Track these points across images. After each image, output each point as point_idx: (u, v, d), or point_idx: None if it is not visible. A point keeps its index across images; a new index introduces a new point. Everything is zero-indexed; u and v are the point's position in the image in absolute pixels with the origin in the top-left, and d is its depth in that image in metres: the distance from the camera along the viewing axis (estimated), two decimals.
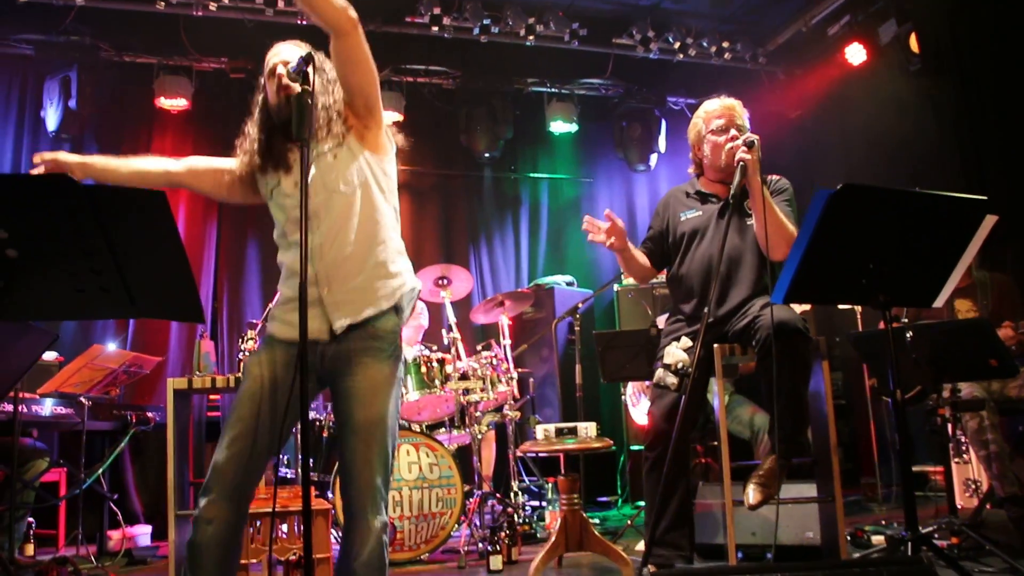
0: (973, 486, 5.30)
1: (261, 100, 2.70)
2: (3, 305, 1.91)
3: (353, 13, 2.54)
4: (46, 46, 6.61)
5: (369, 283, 2.56)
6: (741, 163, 3.35)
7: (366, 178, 2.62)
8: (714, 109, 3.70)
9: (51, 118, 6.62)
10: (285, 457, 5.42)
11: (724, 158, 3.57)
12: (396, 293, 2.60)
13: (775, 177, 3.69)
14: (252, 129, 2.70)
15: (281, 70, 2.59)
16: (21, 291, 1.93)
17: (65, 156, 2.68)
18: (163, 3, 6.27)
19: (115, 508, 5.31)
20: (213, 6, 6.38)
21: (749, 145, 3.39)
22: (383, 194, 2.66)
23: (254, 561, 3.72)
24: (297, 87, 2.38)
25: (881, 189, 2.67)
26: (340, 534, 2.59)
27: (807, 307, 5.19)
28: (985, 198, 2.75)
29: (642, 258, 3.82)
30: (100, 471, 5.15)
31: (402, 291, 2.63)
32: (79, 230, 1.82)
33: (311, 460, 3.40)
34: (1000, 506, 4.34)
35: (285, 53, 2.65)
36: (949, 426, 4.45)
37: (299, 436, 3.56)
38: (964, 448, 5.01)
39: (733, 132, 3.58)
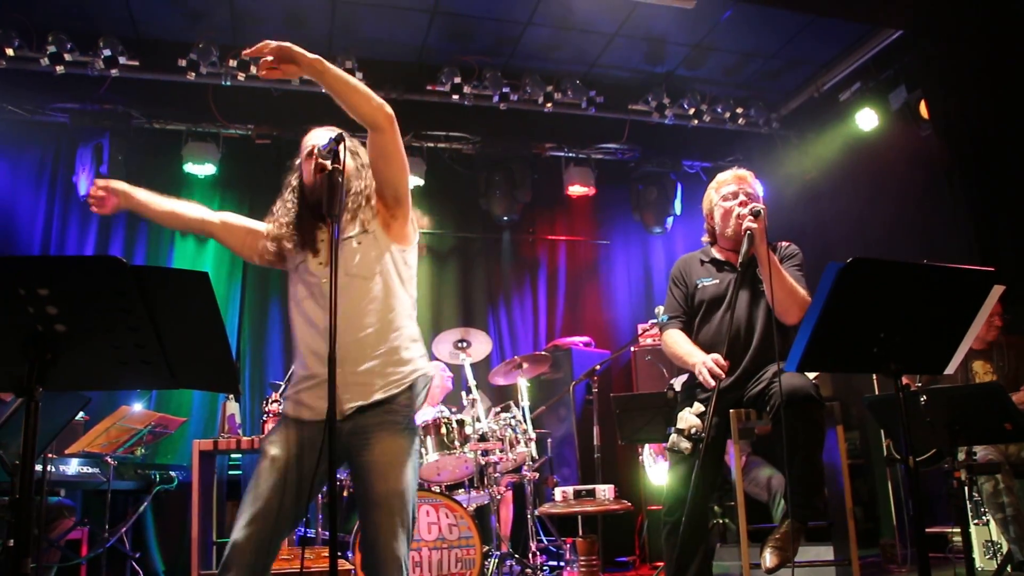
0: (992, 548, 5.28)
1: (296, 181, 2.82)
2: (49, 376, 2.00)
3: (389, 110, 2.69)
4: (80, 114, 6.83)
5: (382, 368, 2.66)
6: (748, 232, 3.46)
7: (387, 266, 2.75)
8: (726, 179, 3.81)
9: (83, 183, 6.80)
10: (307, 518, 5.45)
11: (732, 225, 3.66)
12: (408, 378, 2.71)
13: (785, 244, 3.78)
14: (283, 208, 2.83)
15: (316, 151, 2.72)
16: (66, 363, 2.02)
17: (117, 184, 2.87)
18: (193, 73, 6.49)
19: (137, 567, 5.36)
20: (241, 76, 6.60)
21: (755, 215, 3.50)
22: (402, 283, 2.78)
23: None
24: (328, 164, 2.51)
25: (889, 262, 2.74)
26: None
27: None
28: (992, 269, 2.80)
29: (688, 345, 3.72)
30: (123, 530, 5.21)
31: (415, 376, 2.73)
32: (125, 307, 1.92)
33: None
34: (1020, 568, 4.33)
35: (321, 136, 2.78)
36: (966, 488, 4.46)
37: (325, 501, 3.63)
38: (983, 510, 5.01)
39: (743, 198, 3.67)
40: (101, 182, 2.84)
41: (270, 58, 2.59)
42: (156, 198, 2.90)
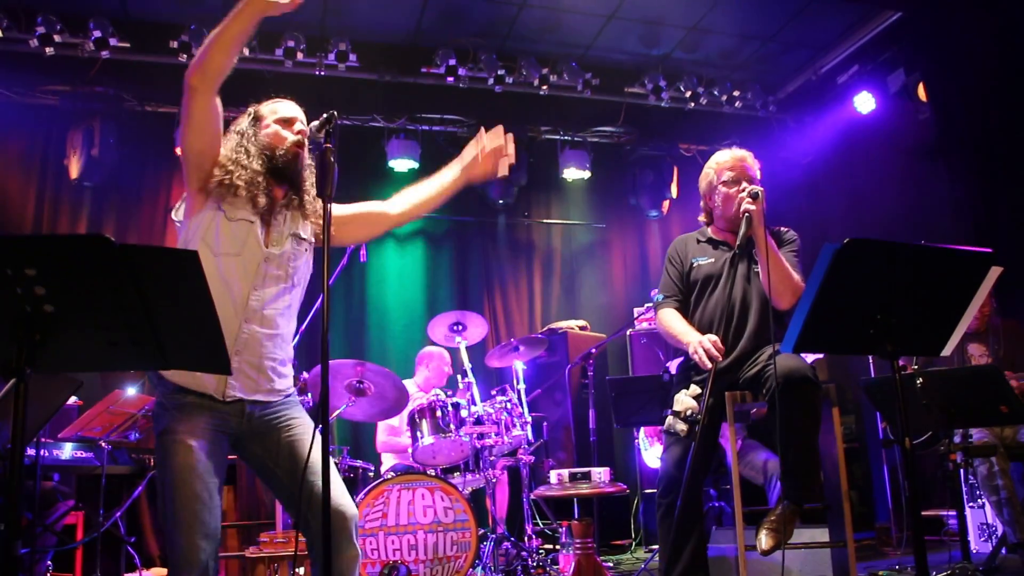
0: (988, 531, 5.30)
1: (259, 136, 2.77)
2: (39, 358, 1.98)
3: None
4: (71, 97, 6.78)
5: (282, 368, 2.75)
6: (746, 214, 3.44)
7: (303, 278, 2.81)
8: (725, 161, 3.77)
9: (74, 166, 6.76)
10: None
11: (734, 209, 3.64)
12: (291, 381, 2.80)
13: (783, 229, 3.76)
14: (243, 152, 2.72)
15: (301, 126, 2.74)
16: (56, 344, 1.99)
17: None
18: (184, 55, 6.44)
19: (132, 551, 5.35)
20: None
21: (754, 197, 3.48)
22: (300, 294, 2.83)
23: None
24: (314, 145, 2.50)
25: (885, 243, 2.72)
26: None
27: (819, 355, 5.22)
28: (990, 251, 2.79)
29: (683, 324, 3.72)
30: (118, 514, 5.19)
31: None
32: (114, 287, 1.90)
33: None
34: (1015, 551, 4.34)
35: (297, 111, 2.80)
36: (961, 471, 4.46)
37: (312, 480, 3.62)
38: (978, 493, 5.02)
39: (744, 185, 3.64)
40: None
41: None
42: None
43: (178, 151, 2.81)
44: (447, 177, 3.07)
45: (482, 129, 3.00)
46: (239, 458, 2.75)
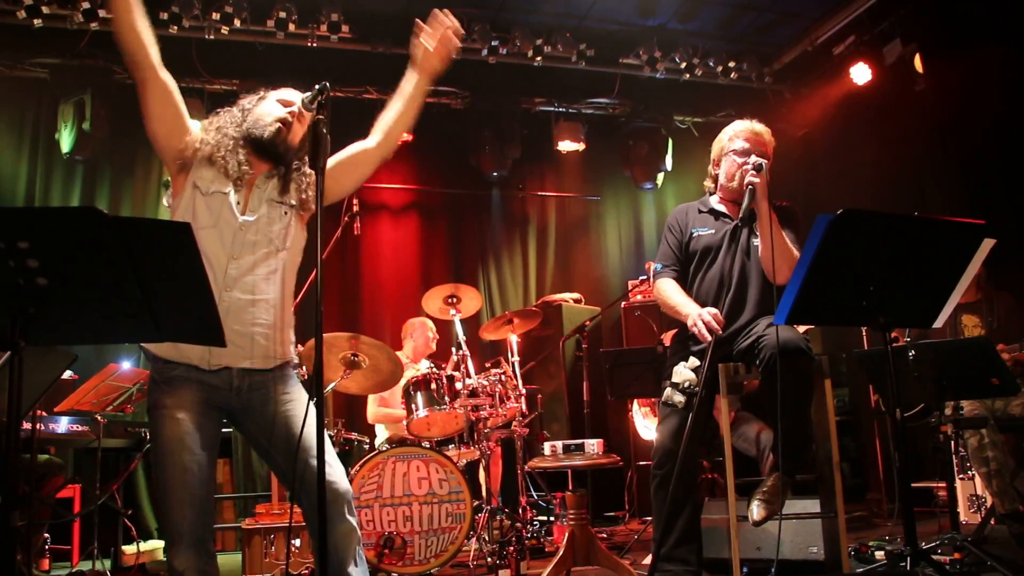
0: (977, 502, 5.34)
1: (254, 110, 2.78)
2: (32, 330, 1.98)
3: None
4: (61, 69, 6.72)
5: (279, 335, 2.74)
6: (750, 186, 3.43)
7: (294, 248, 2.79)
8: (741, 130, 3.72)
9: (65, 140, 6.71)
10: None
11: (737, 180, 3.62)
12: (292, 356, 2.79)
13: (785, 203, 3.75)
14: (226, 127, 2.73)
15: (294, 109, 2.75)
16: (50, 317, 2.00)
17: None
18: (176, 27, 6.38)
19: (129, 523, 5.38)
20: (225, 29, 6.50)
21: (758, 169, 3.46)
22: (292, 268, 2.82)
23: (268, 575, 3.79)
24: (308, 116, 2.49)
25: (880, 214, 2.73)
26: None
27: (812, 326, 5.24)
28: (983, 222, 2.79)
29: (681, 296, 3.70)
30: (115, 487, 5.22)
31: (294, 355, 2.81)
32: (107, 259, 1.90)
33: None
34: (1002, 521, 4.38)
35: (297, 97, 2.78)
36: (952, 443, 4.49)
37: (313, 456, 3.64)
38: (968, 465, 5.06)
39: (754, 158, 3.59)
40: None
41: None
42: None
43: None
44: (410, 85, 3.04)
45: (418, 22, 2.93)
46: (238, 432, 2.76)
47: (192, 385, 2.56)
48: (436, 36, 2.92)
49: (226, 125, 2.73)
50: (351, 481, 4.79)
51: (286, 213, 2.75)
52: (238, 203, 2.67)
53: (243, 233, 2.64)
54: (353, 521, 2.61)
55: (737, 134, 3.73)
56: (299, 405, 2.69)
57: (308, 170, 2.75)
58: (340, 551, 2.56)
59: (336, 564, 2.56)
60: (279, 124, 2.72)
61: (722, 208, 3.78)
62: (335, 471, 2.61)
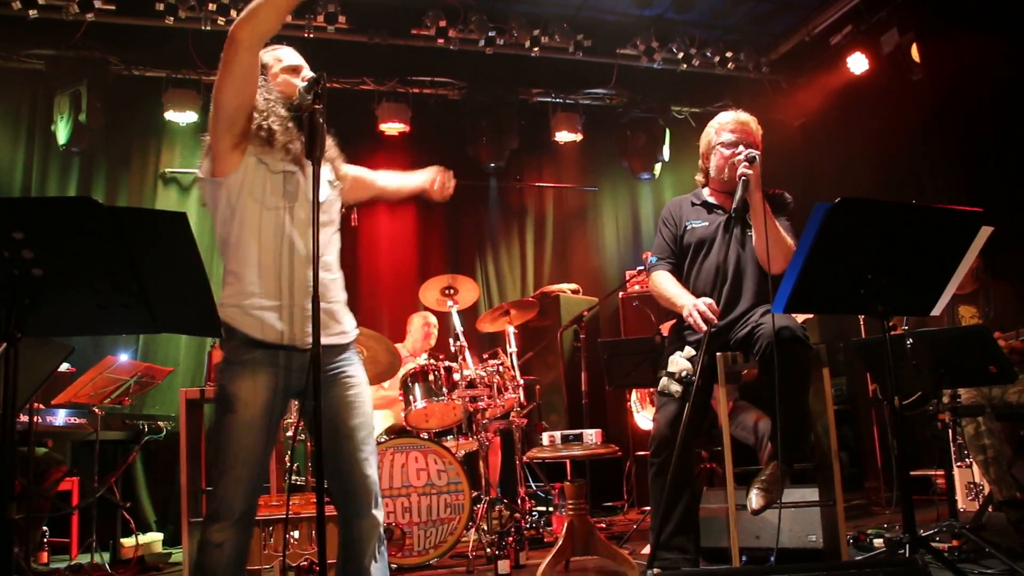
0: (975, 490, 5.35)
1: (271, 86, 2.71)
2: (28, 321, 1.97)
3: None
4: (57, 61, 6.69)
5: (344, 310, 2.76)
6: (743, 178, 3.43)
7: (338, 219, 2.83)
8: (727, 122, 3.74)
9: (61, 132, 6.69)
10: (295, 465, 5.49)
11: (728, 172, 3.63)
12: (354, 330, 2.78)
13: (778, 192, 3.75)
14: (276, 105, 2.66)
15: (307, 72, 2.74)
16: (46, 308, 1.99)
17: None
18: (171, 18, 6.36)
19: (128, 516, 5.38)
20: (221, 20, 6.47)
21: (751, 160, 3.47)
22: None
23: (267, 567, 3.79)
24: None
25: (877, 203, 2.73)
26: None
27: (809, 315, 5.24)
28: (981, 210, 2.80)
29: (676, 287, 3.71)
30: (113, 480, 5.21)
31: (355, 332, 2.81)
32: (102, 250, 1.89)
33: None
34: (1000, 509, 4.39)
35: (299, 57, 2.80)
36: (949, 431, 4.50)
37: (310, 445, 3.65)
38: (966, 453, 5.06)
39: (741, 148, 3.61)
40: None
41: None
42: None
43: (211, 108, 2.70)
44: (414, 182, 3.27)
45: (438, 170, 3.33)
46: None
47: (268, 369, 2.56)
48: (439, 194, 3.30)
49: (274, 102, 2.67)
50: (332, 472, 4.78)
51: (339, 194, 2.81)
52: (306, 183, 2.65)
53: (321, 212, 2.55)
54: (378, 515, 2.62)
55: (723, 126, 3.74)
56: (361, 391, 2.70)
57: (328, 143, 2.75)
58: (361, 544, 2.58)
59: (355, 557, 2.57)
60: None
61: (714, 200, 3.79)
62: (371, 464, 2.65)
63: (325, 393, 2.61)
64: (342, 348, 2.70)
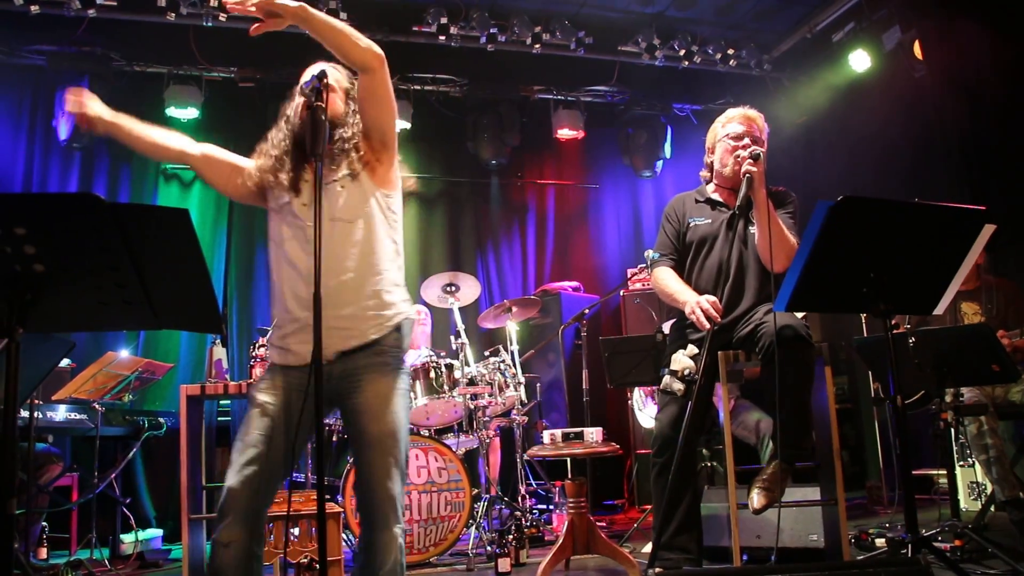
0: (977, 489, 5.35)
1: (288, 115, 2.74)
2: (30, 317, 1.97)
3: (379, 51, 2.59)
4: (58, 56, 6.68)
5: (364, 312, 2.62)
6: (747, 175, 3.42)
7: (371, 211, 2.68)
8: (736, 115, 3.75)
9: (62, 128, 6.67)
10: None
11: (731, 166, 3.62)
12: (392, 320, 2.67)
13: (781, 189, 3.75)
14: (273, 142, 2.73)
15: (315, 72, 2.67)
16: (47, 304, 1.99)
17: (94, 107, 2.73)
18: (173, 14, 6.34)
19: (127, 512, 5.38)
20: (223, 17, 6.46)
21: (755, 158, 3.46)
22: (385, 228, 2.72)
23: (267, 564, 3.78)
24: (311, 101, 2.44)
25: (880, 201, 2.72)
26: (354, 540, 2.66)
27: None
28: (984, 208, 2.79)
29: (679, 284, 3.71)
30: (113, 476, 5.21)
31: (399, 319, 2.69)
32: (104, 246, 1.89)
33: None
34: (1002, 508, 4.39)
35: (314, 68, 2.70)
36: (952, 431, 4.49)
37: (313, 445, 3.64)
38: (968, 452, 5.05)
39: (747, 141, 3.61)
40: (76, 93, 2.72)
41: (253, 9, 2.53)
42: (139, 127, 2.77)
43: (288, 112, 2.72)
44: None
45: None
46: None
47: (289, 372, 2.60)
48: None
49: (265, 146, 2.75)
50: (347, 471, 4.80)
51: (343, 186, 2.66)
52: (304, 204, 2.64)
53: (311, 229, 2.46)
54: (396, 531, 2.53)
55: (731, 119, 3.76)
56: (370, 401, 2.59)
57: (350, 132, 2.72)
58: (380, 555, 2.52)
59: (371, 565, 2.53)
60: (304, 113, 2.59)
61: (718, 197, 3.79)
62: (392, 477, 2.55)
63: (346, 401, 2.60)
64: (370, 352, 2.61)
